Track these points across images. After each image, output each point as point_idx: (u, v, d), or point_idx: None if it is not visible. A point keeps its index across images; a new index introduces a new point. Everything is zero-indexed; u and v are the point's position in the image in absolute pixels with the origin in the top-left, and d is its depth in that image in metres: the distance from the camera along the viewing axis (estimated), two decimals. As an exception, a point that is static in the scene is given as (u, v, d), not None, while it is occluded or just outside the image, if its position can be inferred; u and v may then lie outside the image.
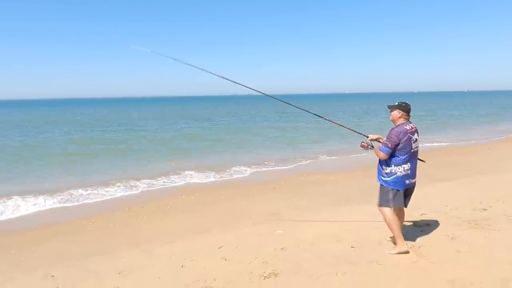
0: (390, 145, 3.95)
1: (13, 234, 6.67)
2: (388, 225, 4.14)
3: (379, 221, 4.28)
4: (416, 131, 4.10)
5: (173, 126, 30.16)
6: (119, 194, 9.19)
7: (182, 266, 4.40)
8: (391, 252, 4.12)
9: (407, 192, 4.16)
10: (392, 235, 4.26)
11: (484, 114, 36.79)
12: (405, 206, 4.23)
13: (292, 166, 12.41)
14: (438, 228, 4.90)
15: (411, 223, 5.13)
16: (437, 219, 5.27)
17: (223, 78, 5.83)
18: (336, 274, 3.74)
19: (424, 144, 15.36)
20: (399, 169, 4.00)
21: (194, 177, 10.88)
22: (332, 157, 13.88)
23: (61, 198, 8.79)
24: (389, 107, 4.20)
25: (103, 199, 8.86)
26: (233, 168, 11.94)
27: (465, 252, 4.02)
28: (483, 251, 4.01)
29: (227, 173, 11.35)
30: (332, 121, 5.31)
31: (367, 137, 4.41)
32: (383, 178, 4.12)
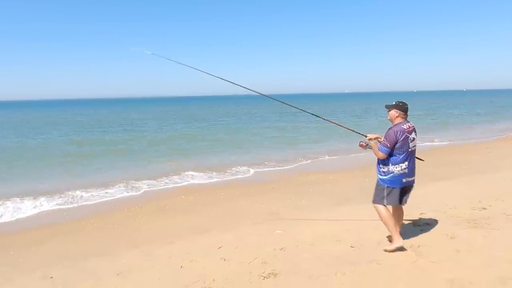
0: (388, 145, 3.99)
1: (12, 235, 6.67)
2: (384, 222, 4.17)
3: (379, 221, 4.27)
4: (414, 130, 4.13)
5: (173, 126, 30.18)
6: (118, 195, 9.18)
7: (181, 267, 4.40)
8: (388, 249, 4.12)
9: (406, 190, 4.19)
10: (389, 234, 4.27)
11: (484, 113, 36.78)
12: (403, 203, 4.25)
13: (293, 166, 12.40)
14: (437, 227, 4.89)
15: (411, 222, 5.12)
16: (436, 218, 5.26)
17: (223, 79, 5.87)
18: (336, 274, 3.73)
19: (424, 143, 15.36)
20: (396, 168, 4.03)
21: (194, 177, 10.88)
22: (332, 157, 13.88)
23: (61, 199, 8.79)
24: (386, 106, 4.25)
25: (103, 200, 8.85)
26: (233, 168, 11.95)
27: (464, 251, 4.01)
28: (482, 250, 4.01)
29: (226, 173, 11.36)
30: (330, 121, 5.30)
31: (366, 136, 4.42)
32: (380, 176, 4.17)
